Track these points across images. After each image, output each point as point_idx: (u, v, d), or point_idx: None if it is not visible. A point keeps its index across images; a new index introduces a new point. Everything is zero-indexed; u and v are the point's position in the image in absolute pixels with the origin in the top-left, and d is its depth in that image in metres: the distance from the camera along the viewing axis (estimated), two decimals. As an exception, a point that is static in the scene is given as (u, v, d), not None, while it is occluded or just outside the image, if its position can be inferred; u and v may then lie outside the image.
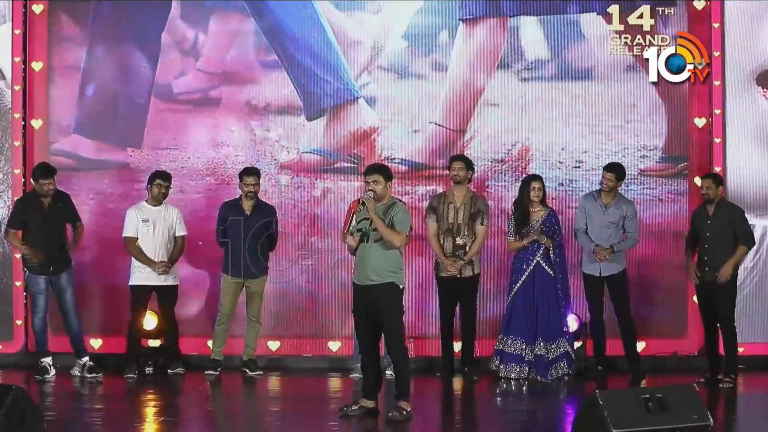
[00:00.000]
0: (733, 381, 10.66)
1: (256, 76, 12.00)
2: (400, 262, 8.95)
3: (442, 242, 11.00)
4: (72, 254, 11.03)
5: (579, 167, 11.88)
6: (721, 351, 10.91)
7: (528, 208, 10.99)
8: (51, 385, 10.65)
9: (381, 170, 9.08)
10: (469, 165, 11.14)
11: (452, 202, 11.05)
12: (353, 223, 8.95)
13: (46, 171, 10.86)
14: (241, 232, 11.14)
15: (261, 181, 11.37)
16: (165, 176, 11.29)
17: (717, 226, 10.64)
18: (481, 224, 11.03)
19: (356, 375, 10.74)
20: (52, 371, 10.98)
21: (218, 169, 11.93)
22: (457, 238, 10.99)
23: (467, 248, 10.97)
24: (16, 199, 11.46)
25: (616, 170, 11.06)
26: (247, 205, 11.24)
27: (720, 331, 10.80)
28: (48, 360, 11.02)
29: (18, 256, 11.51)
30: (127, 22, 11.94)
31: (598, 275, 10.98)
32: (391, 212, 8.92)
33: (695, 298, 11.14)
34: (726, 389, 10.51)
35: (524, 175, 11.44)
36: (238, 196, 11.38)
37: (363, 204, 8.90)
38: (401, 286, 8.94)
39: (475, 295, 11.10)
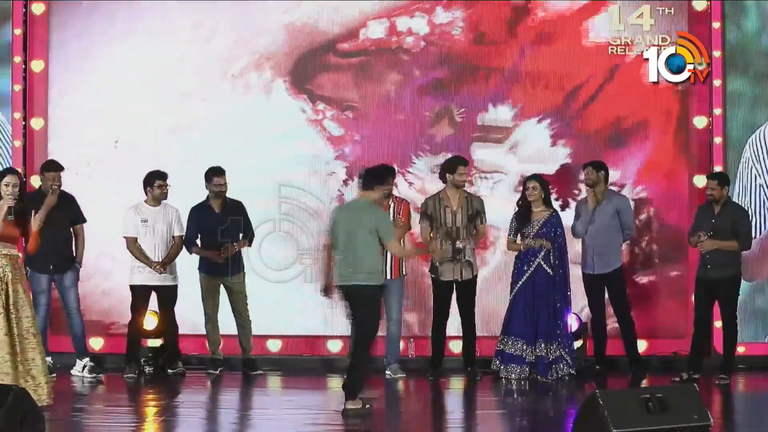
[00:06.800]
0: (728, 378, 10.65)
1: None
2: None
3: (441, 246, 10.92)
4: (80, 259, 11.05)
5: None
6: (720, 350, 10.97)
7: (528, 207, 10.99)
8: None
9: None
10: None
11: (448, 205, 10.99)
12: None
13: (53, 165, 10.92)
14: (215, 230, 11.11)
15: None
16: (163, 175, 11.27)
17: (720, 225, 10.59)
18: (482, 223, 11.07)
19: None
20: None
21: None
22: (457, 242, 10.96)
23: (467, 251, 10.97)
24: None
25: (592, 164, 11.09)
26: (216, 204, 11.23)
27: (713, 332, 10.96)
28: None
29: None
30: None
31: (592, 273, 11.02)
32: None
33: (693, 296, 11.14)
34: (722, 386, 10.52)
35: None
36: (205, 198, 11.33)
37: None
38: None
39: (473, 297, 11.09)
